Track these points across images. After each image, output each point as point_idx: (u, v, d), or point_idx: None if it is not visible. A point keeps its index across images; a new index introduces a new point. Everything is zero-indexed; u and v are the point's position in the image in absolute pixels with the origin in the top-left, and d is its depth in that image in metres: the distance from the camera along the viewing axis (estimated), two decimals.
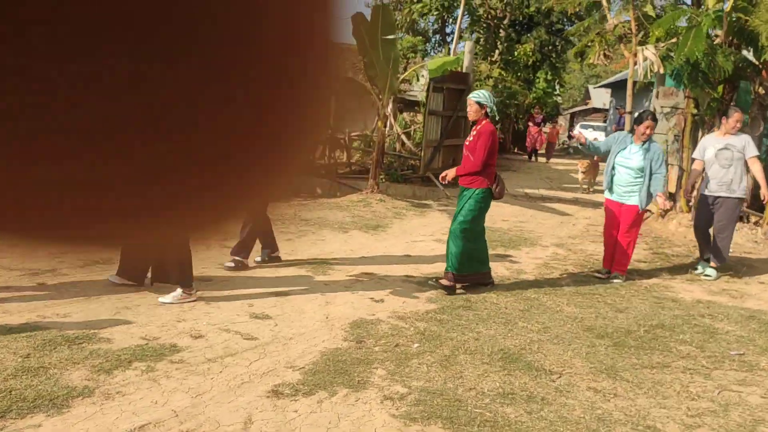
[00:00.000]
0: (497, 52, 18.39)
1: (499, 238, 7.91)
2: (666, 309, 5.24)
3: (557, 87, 28.85)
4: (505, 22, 18.83)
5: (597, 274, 6.20)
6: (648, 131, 5.83)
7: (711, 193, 6.39)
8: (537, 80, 23.85)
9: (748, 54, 9.09)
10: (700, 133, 9.04)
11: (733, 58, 8.16)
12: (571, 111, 48.23)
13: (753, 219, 9.02)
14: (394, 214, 9.13)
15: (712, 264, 6.42)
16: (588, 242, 8.03)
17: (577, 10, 11.24)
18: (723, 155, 6.30)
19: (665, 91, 11.59)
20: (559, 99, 34.05)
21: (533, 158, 19.31)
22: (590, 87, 44.53)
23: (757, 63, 8.73)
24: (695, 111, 9.38)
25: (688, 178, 7.16)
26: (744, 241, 8.46)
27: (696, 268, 6.67)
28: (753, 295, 5.91)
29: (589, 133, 31.10)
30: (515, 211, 10.05)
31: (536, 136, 18.86)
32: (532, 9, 20.15)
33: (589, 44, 10.33)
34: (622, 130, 19.44)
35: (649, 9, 9.24)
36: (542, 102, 23.28)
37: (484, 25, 17.76)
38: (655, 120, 5.92)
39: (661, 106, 11.48)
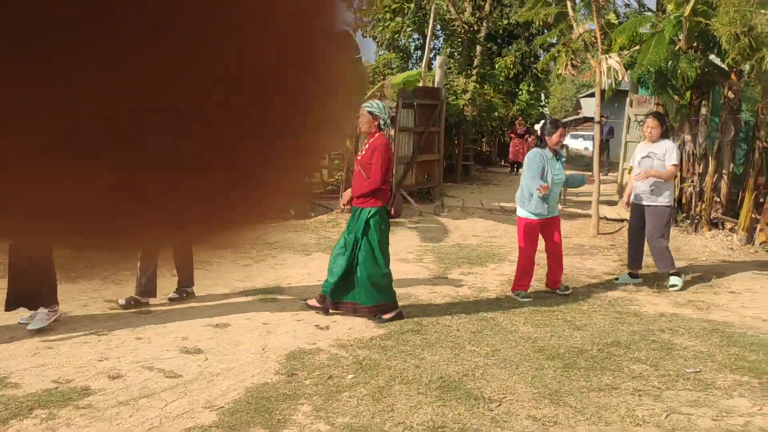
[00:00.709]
0: (474, 66, 18.30)
1: (466, 255, 7.72)
2: (625, 324, 5.03)
3: (543, 98, 28.75)
4: (481, 35, 18.78)
5: (524, 299, 5.65)
6: (561, 139, 5.71)
7: (637, 202, 6.29)
8: (520, 92, 23.77)
9: (716, 58, 8.96)
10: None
11: (697, 64, 8.03)
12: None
13: (728, 225, 8.84)
14: None
15: (670, 272, 6.23)
16: None
17: (545, 20, 11.09)
18: (645, 163, 6.25)
19: (639, 98, 11.49)
20: (545, 110, 34.00)
21: (516, 170, 19.17)
22: (580, 97, 44.61)
23: (724, 67, 8.60)
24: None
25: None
26: (719, 248, 8.28)
27: (617, 279, 6.53)
28: (720, 305, 5.71)
29: (579, 143, 31.01)
30: (488, 226, 9.87)
31: (518, 147, 18.72)
32: (506, 22, 20.12)
33: (557, 54, 10.22)
34: (611, 138, 19.36)
35: (612, 17, 9.13)
36: (526, 114, 23.18)
37: (459, 39, 17.69)
38: (563, 126, 5.84)
39: (635, 114, 11.37)
